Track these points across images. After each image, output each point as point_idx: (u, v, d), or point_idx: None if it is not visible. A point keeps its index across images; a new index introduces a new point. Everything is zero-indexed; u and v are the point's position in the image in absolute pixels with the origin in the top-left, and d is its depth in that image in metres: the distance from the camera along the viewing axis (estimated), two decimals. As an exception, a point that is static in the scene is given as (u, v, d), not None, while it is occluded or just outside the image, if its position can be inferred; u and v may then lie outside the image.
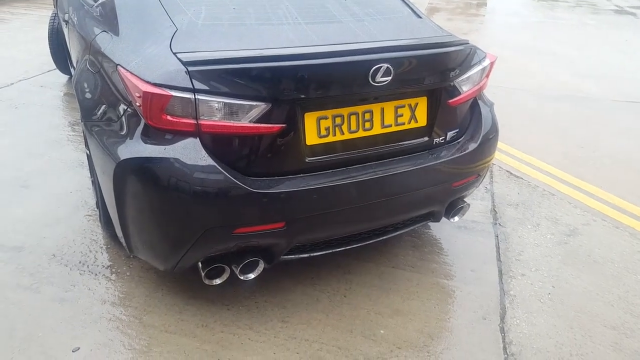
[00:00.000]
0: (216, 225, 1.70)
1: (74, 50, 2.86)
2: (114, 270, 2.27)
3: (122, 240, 2.00)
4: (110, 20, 2.12)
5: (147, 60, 1.73)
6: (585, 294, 2.31)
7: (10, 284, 2.15)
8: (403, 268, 2.39)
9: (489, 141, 2.15)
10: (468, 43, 2.05)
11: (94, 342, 1.89)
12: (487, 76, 2.19)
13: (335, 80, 1.71)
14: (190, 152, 1.65)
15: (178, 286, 2.18)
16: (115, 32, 2.03)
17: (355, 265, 2.37)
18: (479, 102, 2.21)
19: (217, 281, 1.92)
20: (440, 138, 2.04)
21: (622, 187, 3.30)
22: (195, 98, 1.61)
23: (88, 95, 2.09)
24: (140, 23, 1.95)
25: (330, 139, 1.80)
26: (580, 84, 5.51)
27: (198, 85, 1.61)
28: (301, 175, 1.78)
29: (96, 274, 2.23)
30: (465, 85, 2.05)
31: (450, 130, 2.07)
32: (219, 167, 1.65)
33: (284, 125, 1.70)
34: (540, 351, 1.97)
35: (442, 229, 2.71)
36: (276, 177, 1.75)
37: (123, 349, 1.86)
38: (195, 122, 1.64)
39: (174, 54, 1.70)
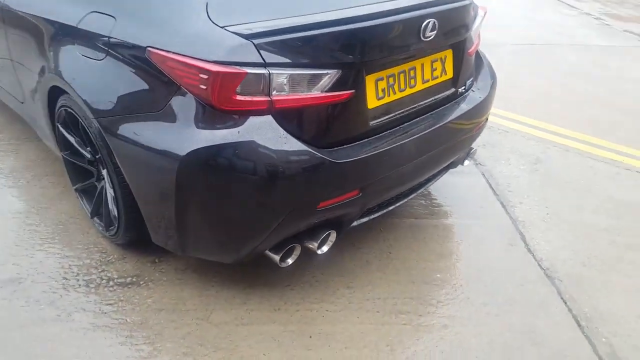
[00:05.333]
0: (302, 202, 1.65)
1: (19, 43, 2.37)
2: (146, 279, 2.06)
3: (170, 241, 1.83)
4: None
5: (192, 38, 1.56)
6: (572, 208, 2.70)
7: (32, 319, 1.84)
8: (425, 217, 2.54)
9: (494, 86, 2.34)
10: None
11: (172, 354, 1.73)
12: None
13: (395, 39, 1.73)
14: (266, 132, 1.55)
15: (227, 280, 2.06)
16: (117, 11, 1.77)
17: (384, 224, 2.46)
18: (479, 52, 2.38)
19: (290, 261, 1.87)
20: (462, 88, 2.18)
21: (554, 117, 3.82)
22: (269, 73, 1.51)
23: (99, 89, 1.80)
24: (153, -2, 1.73)
25: (386, 99, 1.82)
26: (484, 34, 6.07)
27: (268, 58, 1.51)
28: (366, 139, 1.78)
29: (129, 286, 2.01)
30: (474, 36, 2.20)
31: (468, 79, 2.21)
32: (300, 143, 1.59)
33: (352, 91, 1.67)
34: (566, 261, 2.29)
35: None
36: (346, 145, 1.73)
37: (210, 352, 1.74)
38: (269, 98, 1.54)
39: (223, 27, 1.55)
